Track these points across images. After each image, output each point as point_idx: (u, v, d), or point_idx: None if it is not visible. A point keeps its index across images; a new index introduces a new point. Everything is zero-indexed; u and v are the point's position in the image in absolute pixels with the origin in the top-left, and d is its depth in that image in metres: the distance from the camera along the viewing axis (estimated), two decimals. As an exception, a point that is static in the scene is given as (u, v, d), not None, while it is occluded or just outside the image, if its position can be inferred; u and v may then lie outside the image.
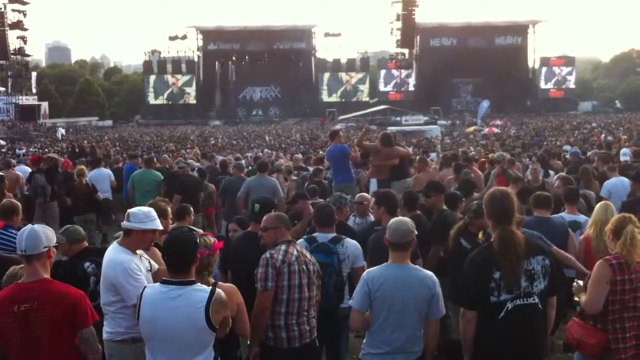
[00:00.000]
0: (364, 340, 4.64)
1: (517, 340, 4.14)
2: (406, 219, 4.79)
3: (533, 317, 4.18)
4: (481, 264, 4.20)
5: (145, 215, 4.63)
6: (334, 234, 5.72)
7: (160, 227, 4.75)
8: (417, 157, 12.71)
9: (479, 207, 6.21)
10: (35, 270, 3.92)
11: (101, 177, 12.78)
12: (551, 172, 11.26)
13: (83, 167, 12.69)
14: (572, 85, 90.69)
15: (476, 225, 6.11)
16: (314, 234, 5.77)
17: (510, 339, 4.14)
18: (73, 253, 5.53)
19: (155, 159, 13.67)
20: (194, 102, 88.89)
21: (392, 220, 4.75)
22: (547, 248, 4.53)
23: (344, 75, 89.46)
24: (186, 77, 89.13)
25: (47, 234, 4.01)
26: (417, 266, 4.71)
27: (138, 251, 4.72)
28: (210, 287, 3.84)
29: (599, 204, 6.20)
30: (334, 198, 7.02)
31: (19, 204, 7.11)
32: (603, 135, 31.26)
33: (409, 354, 4.48)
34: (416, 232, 4.62)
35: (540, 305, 4.18)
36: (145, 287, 3.96)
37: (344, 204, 7.12)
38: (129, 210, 4.71)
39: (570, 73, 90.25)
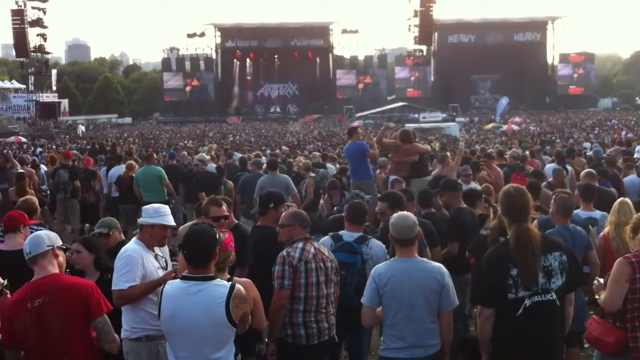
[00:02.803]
0: (382, 337, 4.65)
1: (535, 337, 4.15)
2: (408, 213, 4.79)
3: (551, 314, 4.18)
4: (497, 261, 4.20)
5: (155, 211, 4.77)
6: (360, 234, 5.68)
7: (171, 223, 4.80)
8: (439, 154, 12.69)
9: None
10: (43, 268, 3.96)
11: None
12: (569, 169, 11.19)
13: (132, 162, 13.24)
14: (591, 82, 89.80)
15: None
16: (340, 232, 5.75)
17: (528, 336, 4.13)
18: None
19: (154, 156, 13.99)
20: (213, 99, 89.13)
21: (394, 216, 4.71)
22: (565, 245, 4.51)
23: (362, 72, 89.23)
24: (205, 75, 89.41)
25: (49, 236, 4.12)
26: (424, 259, 4.70)
27: (156, 250, 4.81)
28: (230, 283, 3.87)
29: (616, 202, 6.17)
30: (351, 196, 6.90)
31: (36, 201, 7.18)
32: (624, 133, 30.98)
33: (426, 348, 4.46)
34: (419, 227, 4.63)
35: (558, 302, 4.18)
36: (166, 283, 3.99)
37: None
38: (143, 207, 4.87)
39: (589, 69, 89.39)
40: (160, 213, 4.77)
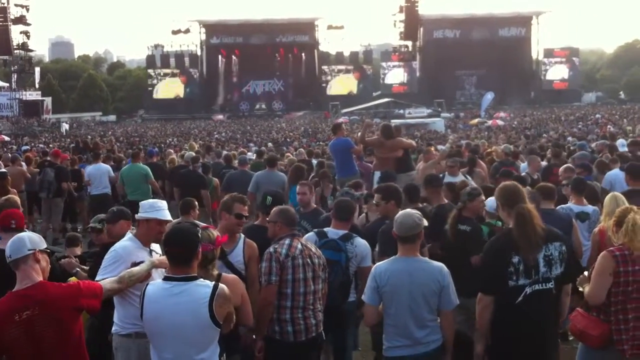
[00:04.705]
0: (384, 336, 4.64)
1: (533, 325, 4.24)
2: (413, 211, 4.77)
3: (548, 302, 4.29)
4: (500, 248, 4.29)
5: (150, 206, 4.79)
6: (346, 232, 5.67)
7: (166, 218, 4.80)
8: (424, 149, 12.73)
9: (473, 190, 6.28)
10: (26, 275, 3.79)
11: (99, 173, 12.82)
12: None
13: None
14: (576, 77, 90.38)
15: (470, 209, 6.18)
16: (325, 229, 5.75)
17: (527, 324, 4.22)
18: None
19: (141, 154, 13.89)
20: (198, 96, 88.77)
21: (399, 213, 4.73)
22: (564, 235, 4.63)
23: (347, 68, 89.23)
24: (190, 71, 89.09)
25: (31, 239, 3.92)
26: (426, 258, 4.69)
27: (152, 246, 4.79)
28: (213, 283, 3.84)
29: (608, 195, 6.19)
30: (341, 193, 6.86)
31: (19, 201, 7.09)
32: (609, 127, 31.16)
33: (427, 344, 4.47)
34: (425, 224, 4.61)
35: (554, 291, 4.29)
36: (147, 284, 3.95)
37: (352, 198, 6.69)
38: (140, 203, 4.89)
39: (574, 64, 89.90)
40: (155, 208, 4.78)
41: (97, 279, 4.48)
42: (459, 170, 9.87)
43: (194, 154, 13.66)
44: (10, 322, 3.69)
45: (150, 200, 4.93)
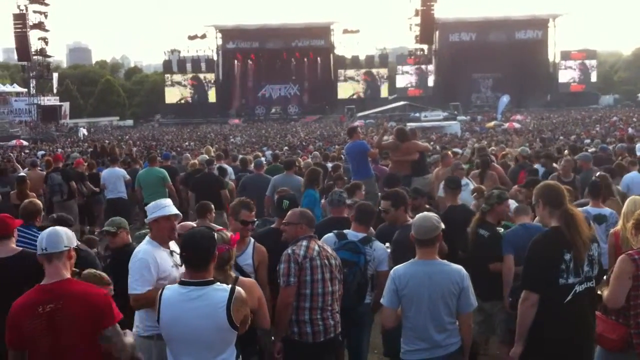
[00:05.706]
0: (402, 339, 4.62)
1: (580, 324, 4.24)
2: (431, 214, 4.76)
3: (592, 301, 4.32)
4: (551, 245, 4.26)
5: (154, 207, 4.84)
6: (365, 235, 5.70)
7: (171, 213, 4.82)
8: (441, 152, 12.69)
9: (502, 193, 6.27)
10: (56, 270, 3.85)
11: (114, 177, 12.94)
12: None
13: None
14: (593, 79, 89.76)
15: (495, 214, 6.16)
16: (345, 231, 5.76)
17: (574, 323, 4.21)
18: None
19: (158, 158, 13.97)
20: (214, 100, 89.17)
21: (417, 216, 4.71)
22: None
23: (362, 72, 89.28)
24: (206, 76, 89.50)
25: (67, 235, 3.98)
26: (444, 261, 4.65)
27: (172, 246, 4.83)
28: (230, 286, 3.84)
29: (629, 199, 6.13)
30: (334, 195, 6.88)
31: (40, 204, 7.14)
32: (629, 129, 30.85)
33: (446, 347, 4.46)
34: (442, 227, 4.58)
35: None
36: (163, 288, 3.94)
37: (343, 201, 6.71)
38: (146, 207, 4.94)
39: (591, 67, 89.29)
40: (159, 206, 4.82)
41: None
42: (463, 175, 9.81)
43: (207, 157, 13.70)
44: (33, 314, 3.75)
45: (153, 202, 4.94)
